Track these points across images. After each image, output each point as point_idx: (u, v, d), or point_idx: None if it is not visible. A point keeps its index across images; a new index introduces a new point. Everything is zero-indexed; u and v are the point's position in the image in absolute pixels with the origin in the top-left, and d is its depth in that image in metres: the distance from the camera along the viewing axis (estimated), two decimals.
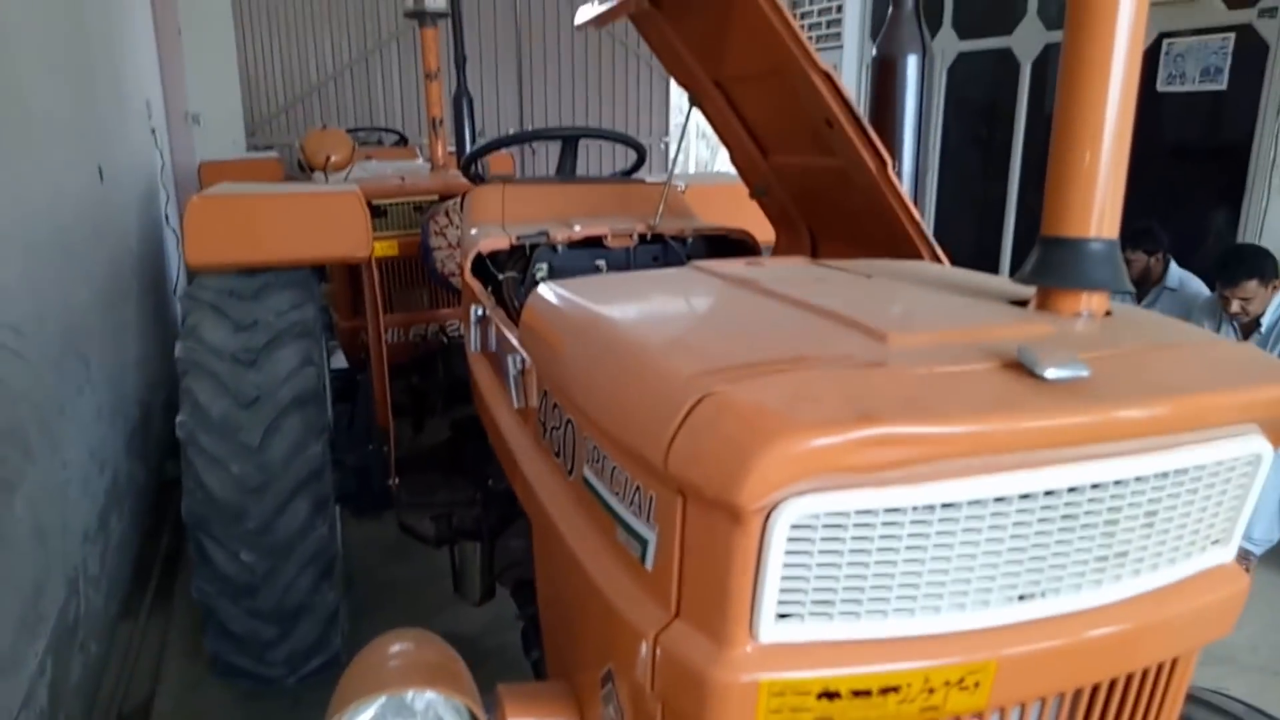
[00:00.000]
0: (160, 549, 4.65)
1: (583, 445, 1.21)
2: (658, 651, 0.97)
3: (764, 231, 2.45)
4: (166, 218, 7.16)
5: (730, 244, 2.38)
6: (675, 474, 0.90)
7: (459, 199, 3.98)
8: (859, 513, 0.86)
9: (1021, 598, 0.95)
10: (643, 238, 2.33)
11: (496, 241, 2.22)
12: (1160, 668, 1.10)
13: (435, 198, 4.38)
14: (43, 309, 3.23)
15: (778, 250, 2.33)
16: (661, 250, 2.35)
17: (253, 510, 2.79)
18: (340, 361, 4.49)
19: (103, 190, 4.76)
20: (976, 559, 0.91)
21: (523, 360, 1.56)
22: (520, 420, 1.61)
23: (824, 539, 0.87)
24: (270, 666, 3.08)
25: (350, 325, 4.39)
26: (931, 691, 0.93)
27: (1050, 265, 1.10)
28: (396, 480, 3.07)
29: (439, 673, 1.21)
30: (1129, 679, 1.07)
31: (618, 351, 1.10)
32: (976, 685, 0.94)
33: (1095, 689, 1.06)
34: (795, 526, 0.86)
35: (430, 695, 1.21)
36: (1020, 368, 0.93)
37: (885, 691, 0.92)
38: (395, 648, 1.27)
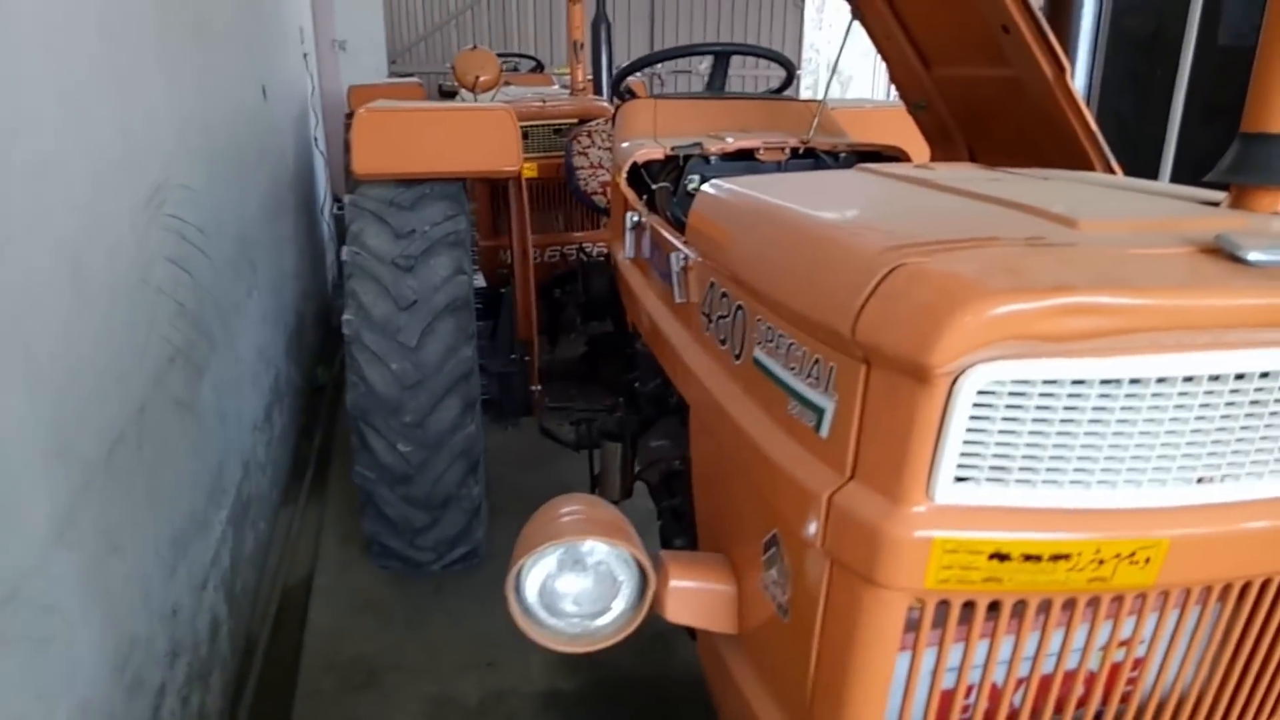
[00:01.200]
0: (314, 446, 5.03)
1: (754, 328, 1.27)
2: (831, 510, 1.04)
3: (916, 151, 2.42)
4: (315, 140, 7.54)
5: (884, 159, 2.37)
6: (863, 341, 0.95)
7: (599, 121, 4.05)
8: (1045, 382, 0.90)
9: (1199, 480, 0.97)
10: (795, 152, 2.35)
11: (651, 152, 2.29)
12: None
13: (575, 121, 4.47)
14: (221, 214, 3.50)
15: None
16: (814, 165, 2.36)
17: (409, 405, 3.00)
18: (479, 282, 4.69)
19: (266, 108, 5.05)
20: (1158, 437, 0.93)
21: (686, 257, 1.63)
22: (680, 315, 1.68)
23: (1008, 406, 0.91)
24: (419, 551, 3.33)
25: (490, 245, 4.56)
26: (1101, 563, 0.96)
27: (1249, 161, 1.08)
28: (539, 387, 3.22)
29: (611, 528, 1.32)
30: None
31: (800, 233, 1.15)
32: (1147, 561, 0.97)
33: (1264, 585, 1.07)
34: (981, 392, 0.90)
35: (604, 546, 1.32)
36: (1218, 254, 0.93)
37: (1055, 558, 0.96)
38: (570, 506, 1.38)
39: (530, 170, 4.28)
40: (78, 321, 1.96)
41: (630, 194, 2.25)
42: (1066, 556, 0.96)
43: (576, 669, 3.18)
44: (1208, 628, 1.15)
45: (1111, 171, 1.66)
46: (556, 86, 6.41)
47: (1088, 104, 1.74)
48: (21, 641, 1.58)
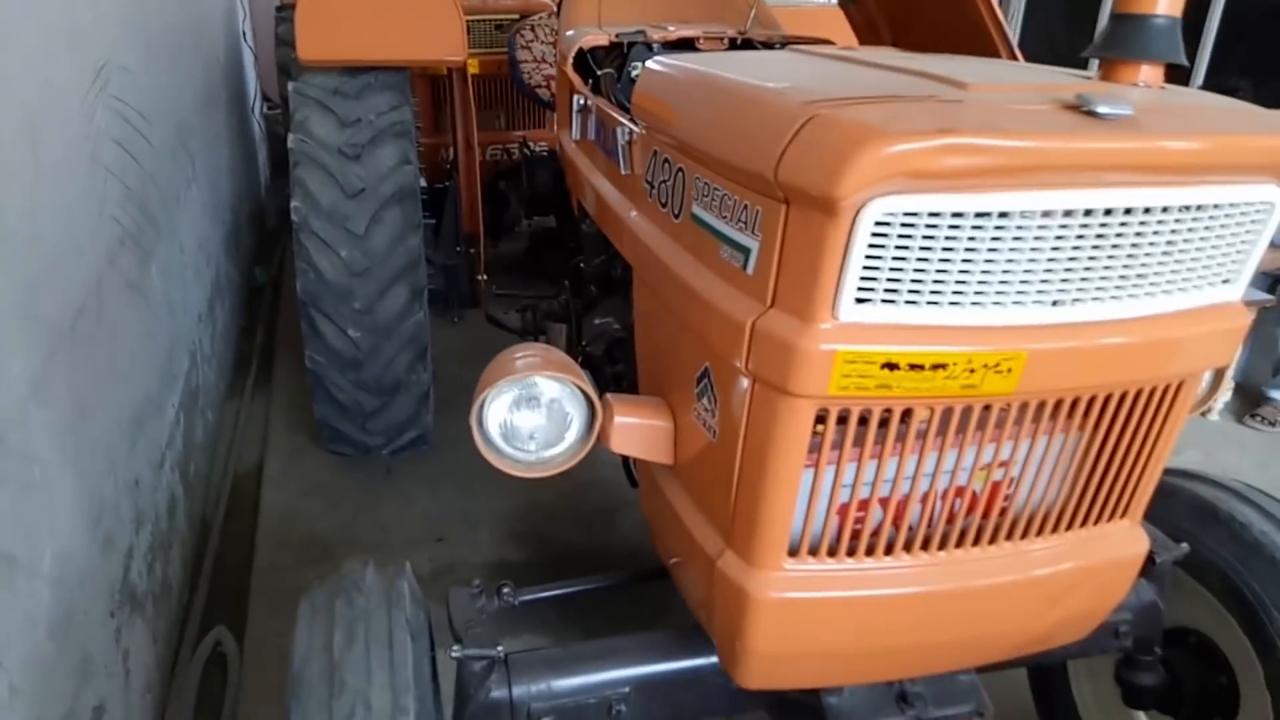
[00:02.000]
0: (256, 344, 5.08)
1: (692, 187, 1.42)
2: (753, 334, 1.22)
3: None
4: (244, 34, 7.30)
5: None
6: (784, 182, 1.11)
7: (541, 15, 4.08)
8: (930, 215, 1.08)
9: (1054, 303, 1.17)
10: (733, 42, 2.47)
11: (597, 39, 2.38)
12: (1166, 389, 1.32)
13: (516, 16, 4.47)
14: (159, 100, 3.48)
15: None
16: None
17: (358, 292, 3.10)
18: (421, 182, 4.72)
19: None
20: (1020, 264, 1.13)
21: (631, 131, 1.76)
22: (625, 187, 1.83)
23: (900, 236, 1.09)
24: (370, 435, 3.47)
25: (432, 142, 4.58)
26: (972, 371, 1.17)
27: (1116, 38, 1.26)
28: (485, 276, 3.35)
29: (562, 367, 1.49)
30: (1137, 395, 1.30)
31: (732, 95, 1.30)
32: (1009, 371, 1.18)
33: (1108, 399, 1.29)
34: (878, 223, 1.08)
35: (556, 385, 1.49)
36: (1078, 110, 1.11)
37: (935, 367, 1.16)
38: (525, 351, 1.54)
39: (473, 67, 4.30)
40: (39, 191, 2.02)
41: (576, 79, 2.36)
42: (944, 366, 1.16)
43: (523, 542, 3.40)
44: (1071, 448, 1.37)
45: (1015, 59, 1.84)
46: None
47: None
48: (9, 483, 1.70)
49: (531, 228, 3.69)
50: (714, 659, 1.70)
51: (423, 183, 4.70)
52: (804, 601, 1.35)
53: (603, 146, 2.02)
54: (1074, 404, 1.29)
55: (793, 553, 1.35)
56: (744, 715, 1.84)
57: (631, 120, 1.77)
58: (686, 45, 2.45)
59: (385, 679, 1.46)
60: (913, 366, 1.16)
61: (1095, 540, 1.46)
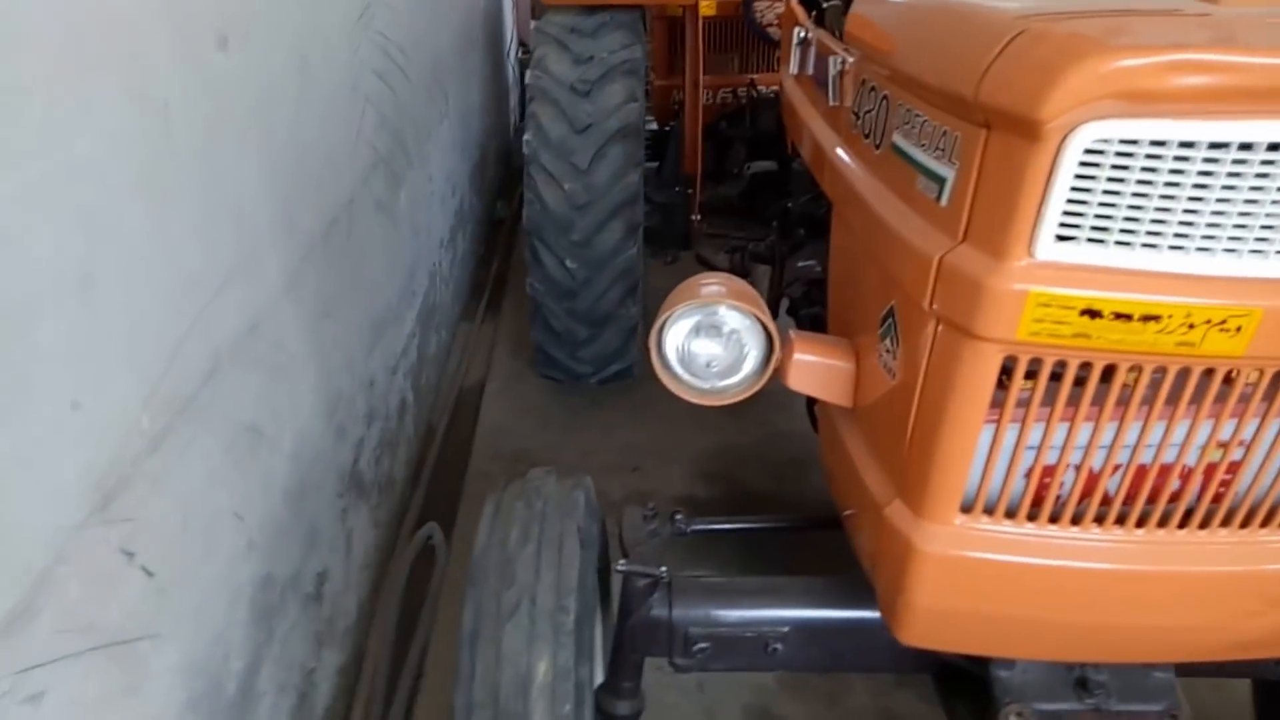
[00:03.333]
0: (491, 272, 5.44)
1: (895, 115, 1.35)
2: (940, 271, 1.15)
3: None
4: None
5: None
6: (984, 102, 1.03)
7: None
8: (1152, 143, 0.96)
9: None
10: None
11: None
12: None
13: None
14: (418, 39, 3.76)
15: None
16: None
17: (578, 224, 3.22)
18: (650, 124, 4.80)
19: None
20: (1262, 206, 0.98)
21: (843, 61, 1.69)
22: (832, 119, 1.76)
23: (1113, 166, 0.98)
24: (579, 363, 3.64)
25: (664, 84, 4.64)
26: (1191, 327, 1.03)
27: None
28: (699, 216, 3.36)
29: (745, 298, 1.48)
30: None
31: (944, 13, 1.22)
32: (1238, 330, 1.03)
33: None
34: (1088, 151, 0.97)
35: (737, 315, 1.48)
36: None
37: (1146, 319, 1.04)
38: (711, 279, 1.54)
39: (708, 8, 4.28)
40: (303, 113, 2.26)
41: (800, 11, 2.29)
42: (1157, 318, 1.03)
43: (713, 481, 3.45)
44: None
45: None
46: None
47: None
48: (262, 365, 1.95)
49: (752, 170, 3.65)
50: (877, 613, 1.65)
51: (652, 124, 4.80)
52: (973, 561, 1.28)
53: (817, 80, 1.95)
54: None
55: (966, 509, 1.27)
56: (907, 676, 1.78)
57: (845, 49, 1.70)
58: None
59: (552, 579, 1.55)
60: (1118, 316, 1.04)
61: None
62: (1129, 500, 1.26)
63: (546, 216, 3.24)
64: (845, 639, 1.69)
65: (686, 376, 1.54)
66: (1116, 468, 1.23)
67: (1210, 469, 1.24)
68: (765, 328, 1.48)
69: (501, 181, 6.73)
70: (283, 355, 2.09)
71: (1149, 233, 1.01)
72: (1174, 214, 0.99)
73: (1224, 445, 1.22)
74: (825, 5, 2.28)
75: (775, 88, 4.41)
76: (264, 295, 1.97)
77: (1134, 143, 0.96)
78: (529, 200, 3.28)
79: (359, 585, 2.68)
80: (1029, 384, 1.16)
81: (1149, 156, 0.97)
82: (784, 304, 2.53)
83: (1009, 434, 1.20)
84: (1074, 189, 1.00)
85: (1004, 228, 1.06)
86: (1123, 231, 1.02)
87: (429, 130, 3.97)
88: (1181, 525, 1.25)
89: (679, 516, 1.92)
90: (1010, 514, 1.27)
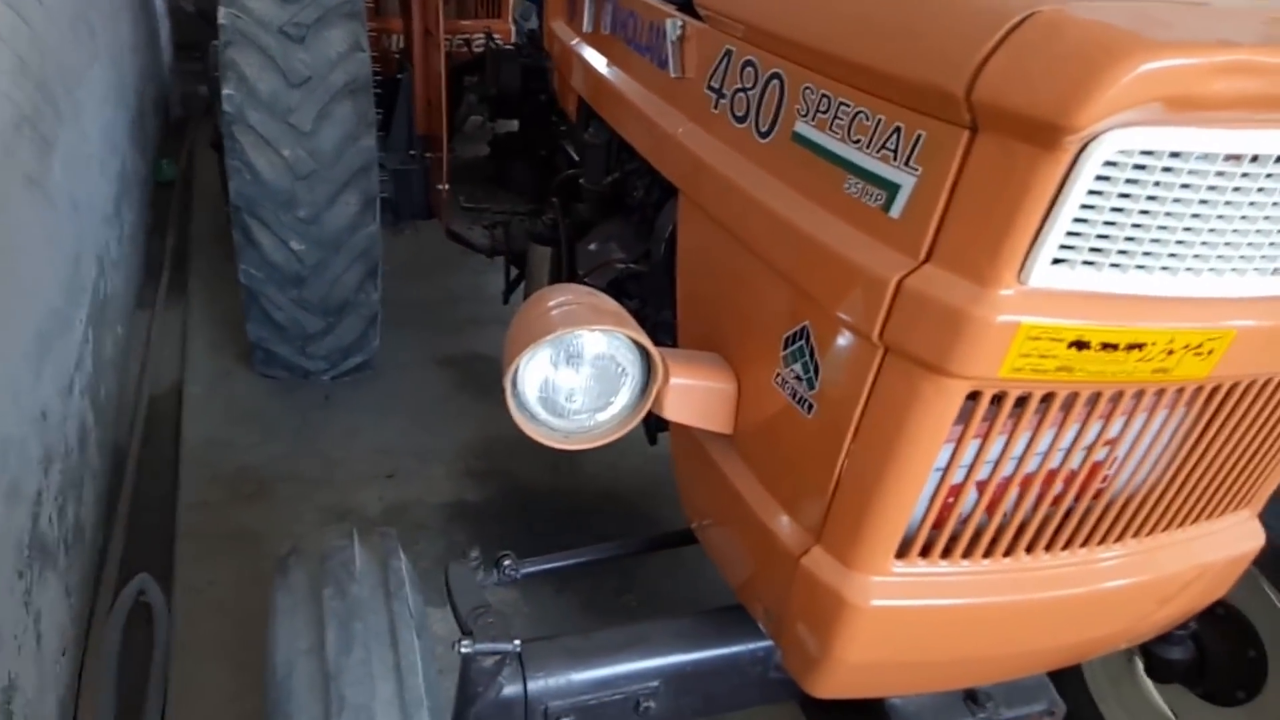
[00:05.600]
0: (167, 246, 4.57)
1: (797, 99, 1.14)
2: (899, 295, 0.96)
3: None
4: None
5: None
6: (983, 100, 0.84)
7: None
8: (1171, 155, 0.83)
9: (1275, 270, 0.95)
10: None
11: None
12: None
13: None
14: None
15: None
16: None
17: (304, 198, 2.71)
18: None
19: None
20: (1254, 222, 0.90)
21: (683, 24, 1.45)
22: (671, 93, 1.51)
23: (1127, 180, 0.84)
24: (310, 360, 3.12)
25: (376, 27, 4.08)
26: (1170, 354, 0.95)
27: None
28: (447, 186, 2.97)
29: (612, 317, 1.20)
30: None
31: None
32: (1210, 353, 0.96)
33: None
34: (1107, 163, 0.82)
35: (604, 335, 1.21)
36: None
37: (1131, 347, 0.93)
38: (561, 296, 1.25)
39: None
40: None
41: None
42: (1141, 346, 0.93)
43: (483, 480, 3.13)
44: (1183, 425, 1.16)
45: None
46: None
47: None
48: None
49: (495, 131, 3.30)
50: (751, 645, 1.50)
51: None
52: (908, 610, 1.14)
53: (631, 41, 1.69)
54: (1244, 387, 1.08)
55: (900, 554, 1.13)
56: (773, 707, 1.67)
57: (687, 9, 1.45)
58: None
59: (392, 691, 1.20)
60: (1105, 346, 0.92)
61: (1216, 535, 1.29)
62: (1025, 512, 1.17)
63: (261, 189, 2.68)
64: (720, 680, 1.52)
65: (548, 419, 1.24)
66: (1022, 480, 1.13)
67: (1093, 469, 1.19)
68: (642, 348, 1.23)
69: (162, 136, 5.69)
70: None
71: (1145, 253, 0.90)
72: (1174, 231, 0.88)
73: (1110, 442, 1.17)
74: None
75: (501, 37, 4.04)
76: None
77: (1152, 153, 0.83)
78: (236, 169, 2.70)
79: (56, 679, 2.07)
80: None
81: (1164, 170, 0.84)
82: None
83: (959, 472, 1.07)
84: (1083, 206, 0.85)
85: (991, 249, 0.89)
86: (1120, 253, 0.89)
87: (79, 76, 3.14)
88: (1097, 542, 1.20)
89: (507, 562, 1.63)
90: (943, 551, 1.14)
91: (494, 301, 3.35)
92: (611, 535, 1.88)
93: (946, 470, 1.08)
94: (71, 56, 3.03)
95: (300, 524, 2.80)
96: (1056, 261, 0.89)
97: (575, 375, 1.22)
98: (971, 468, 1.07)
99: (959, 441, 1.04)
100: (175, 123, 6.26)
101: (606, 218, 2.12)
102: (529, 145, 3.18)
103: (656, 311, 1.77)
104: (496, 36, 3.66)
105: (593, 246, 2.14)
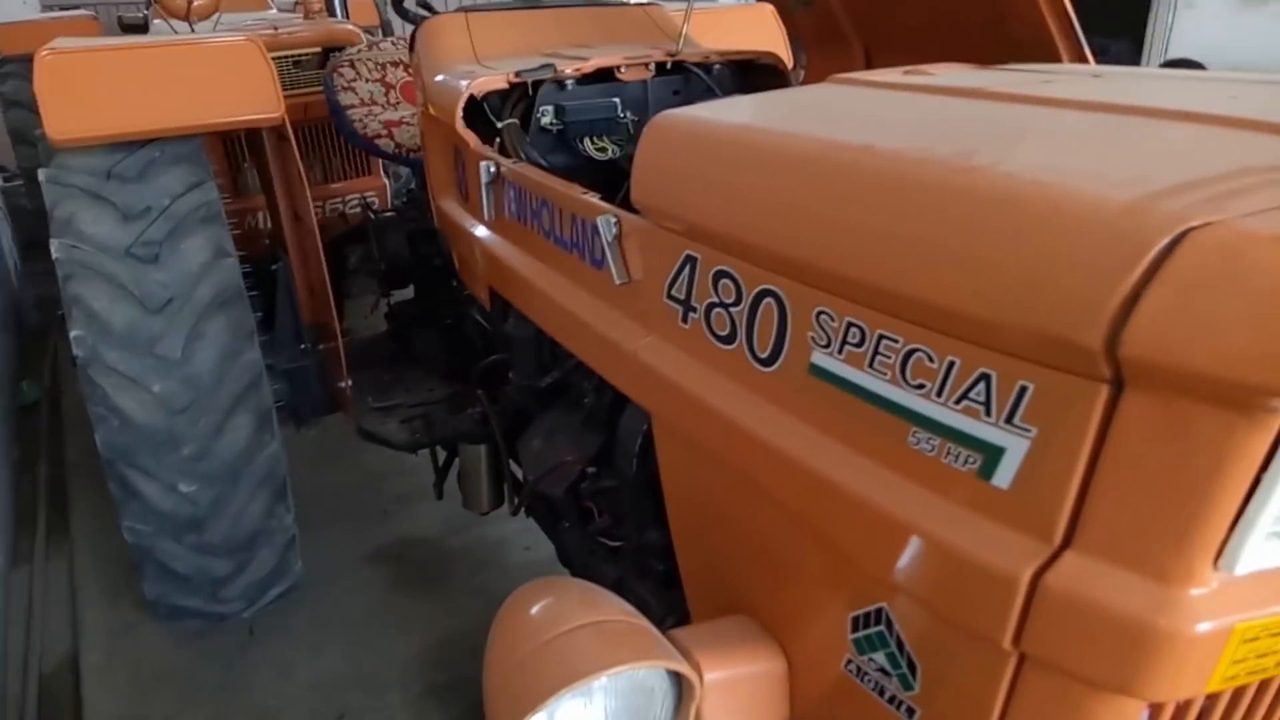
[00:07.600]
0: (40, 481, 4.04)
1: (805, 324, 0.88)
2: (1037, 594, 0.70)
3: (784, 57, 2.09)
4: None
5: (766, 70, 2.00)
6: (1135, 354, 0.60)
7: (356, 49, 3.38)
8: None
9: None
10: (660, 67, 1.93)
11: (491, 81, 1.77)
12: None
13: (318, 50, 3.75)
14: None
15: (813, 76, 1.97)
16: (683, 82, 1.96)
17: (186, 434, 2.33)
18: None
19: None
20: None
21: (616, 222, 1.19)
22: (617, 299, 1.25)
23: None
24: (224, 603, 2.70)
25: (237, 209, 3.76)
26: None
27: None
28: (349, 382, 2.63)
29: (643, 646, 0.90)
30: None
31: (931, 184, 0.76)
32: None
33: None
34: None
35: (625, 674, 0.91)
36: None
37: None
38: (563, 600, 0.94)
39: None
40: None
41: (471, 137, 1.74)
42: None
43: (449, 696, 2.72)
44: None
45: (1085, 61, 1.42)
46: (275, 11, 5.44)
47: None
48: None
49: (391, 304, 3.00)
50: None
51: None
52: None
53: (549, 234, 1.43)
54: None
55: None
56: None
57: (623, 204, 1.20)
58: (604, 77, 1.88)
59: None
60: None
61: None
62: None
63: (134, 434, 2.30)
64: None
65: None
66: None
67: None
68: (680, 675, 0.93)
69: (18, 354, 5.17)
70: None
71: None
72: None
73: None
74: (502, 125, 1.76)
75: (373, 194, 3.77)
76: None
77: None
78: (100, 416, 2.31)
79: None
80: None
81: None
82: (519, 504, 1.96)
83: None
84: None
85: (1175, 535, 0.64)
86: None
87: None
88: None
89: None
90: None
91: (417, 474, 3.02)
92: None
93: None
94: None
95: None
96: (1272, 535, 0.64)
97: (599, 713, 0.92)
98: None
99: None
100: (34, 331, 5.73)
101: (545, 408, 1.83)
102: (430, 312, 2.89)
103: (638, 533, 1.47)
104: (371, 198, 3.38)
105: (536, 444, 1.84)
